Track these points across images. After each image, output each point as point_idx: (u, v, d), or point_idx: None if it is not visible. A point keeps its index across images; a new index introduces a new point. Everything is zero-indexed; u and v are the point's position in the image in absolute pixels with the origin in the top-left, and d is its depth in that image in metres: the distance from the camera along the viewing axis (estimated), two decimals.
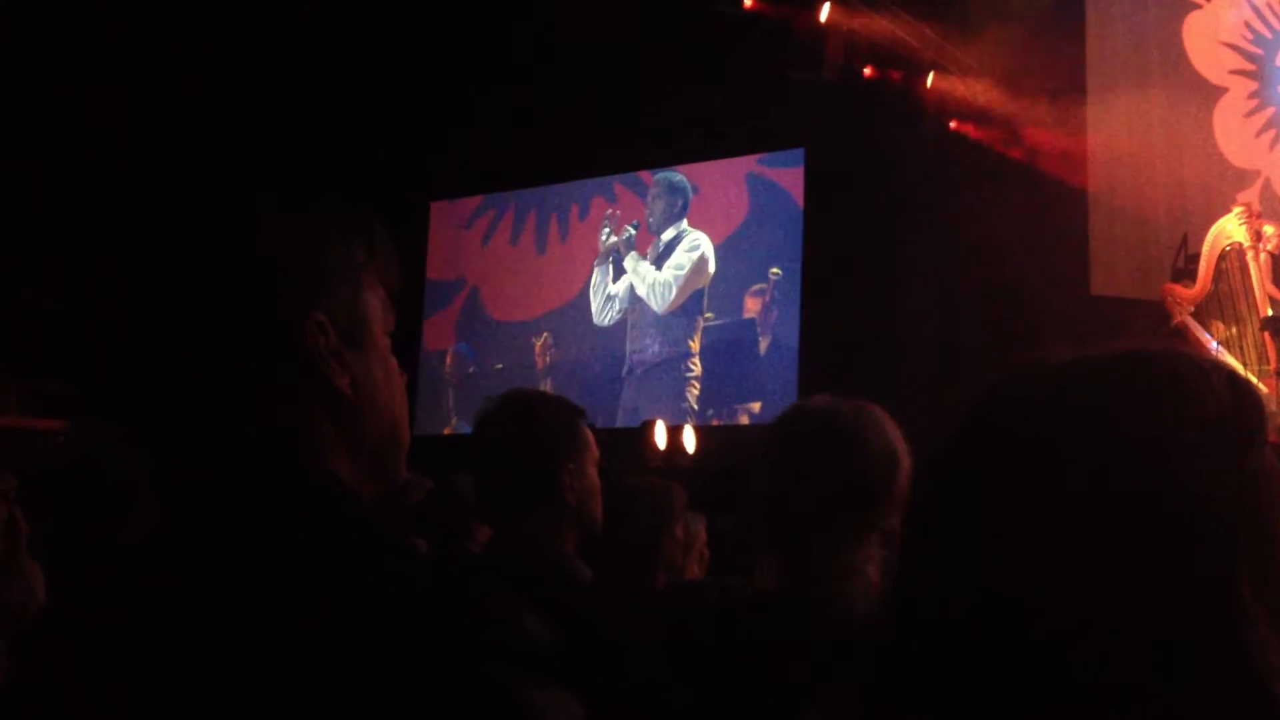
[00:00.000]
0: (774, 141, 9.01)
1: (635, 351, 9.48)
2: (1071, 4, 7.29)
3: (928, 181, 7.65)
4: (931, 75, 7.82)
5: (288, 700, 0.80)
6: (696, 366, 9.20)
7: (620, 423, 9.05)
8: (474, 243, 10.53)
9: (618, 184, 9.84)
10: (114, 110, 8.49)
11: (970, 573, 0.74)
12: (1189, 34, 7.09)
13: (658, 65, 8.34)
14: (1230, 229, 6.02)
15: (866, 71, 7.86)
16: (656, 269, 9.50)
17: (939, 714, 0.73)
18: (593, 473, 2.09)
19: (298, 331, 0.95)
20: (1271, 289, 5.94)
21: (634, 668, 1.82)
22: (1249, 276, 5.95)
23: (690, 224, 9.46)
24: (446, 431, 10.01)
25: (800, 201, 8.92)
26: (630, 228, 9.68)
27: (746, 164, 9.28)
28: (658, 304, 9.44)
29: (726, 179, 9.37)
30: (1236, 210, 6.07)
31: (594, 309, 9.77)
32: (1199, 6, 7.10)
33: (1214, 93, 6.98)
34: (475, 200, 10.55)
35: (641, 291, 9.54)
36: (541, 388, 8.73)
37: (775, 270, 8.95)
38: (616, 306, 9.66)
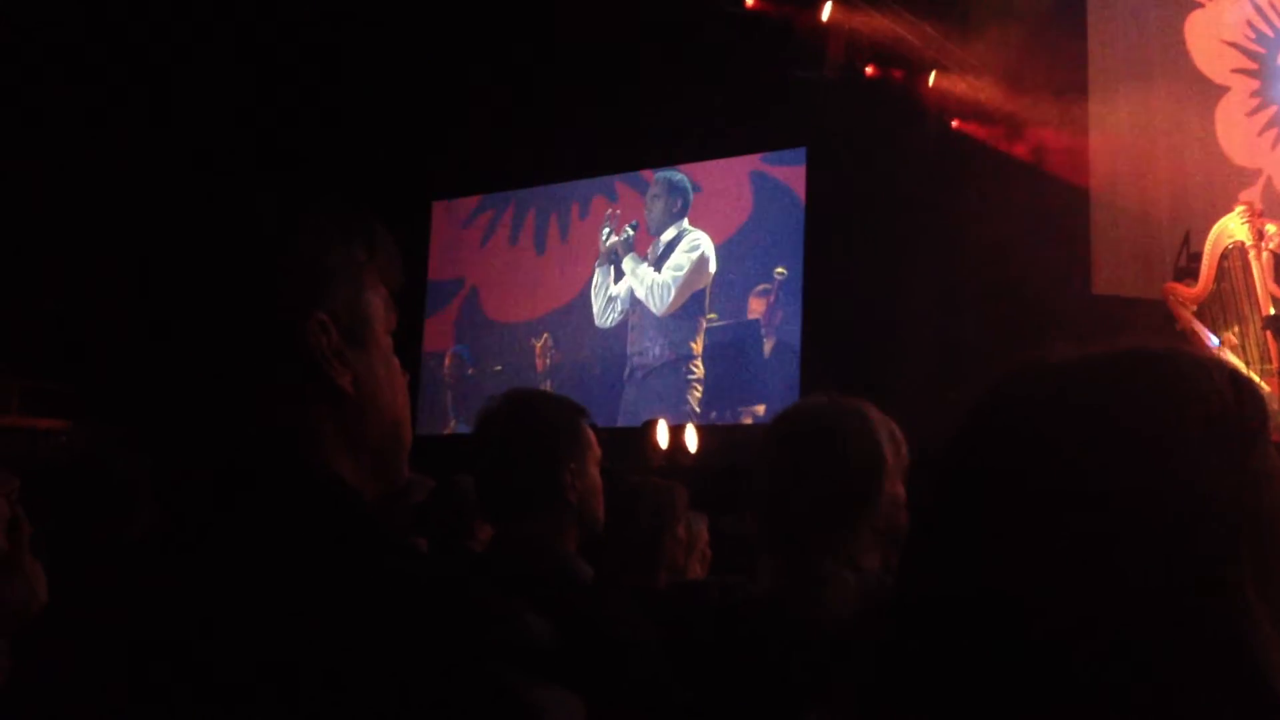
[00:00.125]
0: (775, 141, 9.00)
1: (636, 354, 9.40)
2: (1073, 2, 7.29)
3: (929, 181, 7.65)
4: (933, 74, 7.82)
5: (289, 700, 0.80)
6: (699, 369, 9.12)
7: (622, 423, 9.01)
8: (473, 242, 10.47)
9: (619, 183, 9.78)
10: (114, 110, 8.50)
11: (970, 573, 0.74)
12: (1191, 32, 7.09)
13: (659, 64, 8.34)
14: (1232, 228, 6.02)
15: (868, 70, 7.85)
16: (655, 270, 9.44)
17: (939, 714, 0.73)
18: (594, 472, 2.09)
19: (299, 331, 0.95)
20: (1273, 288, 5.94)
21: (635, 667, 1.82)
22: (1251, 275, 5.95)
23: (692, 223, 9.39)
24: (446, 433, 9.98)
25: (803, 200, 8.89)
26: (629, 228, 9.62)
27: (750, 162, 9.23)
28: (657, 306, 9.37)
29: (730, 177, 9.32)
30: (1239, 209, 6.06)
31: (595, 310, 9.70)
32: (1201, 5, 7.10)
33: (1216, 91, 6.98)
34: (474, 200, 10.51)
35: (640, 294, 9.47)
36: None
37: (780, 270, 8.87)
38: (618, 308, 9.59)
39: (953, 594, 0.74)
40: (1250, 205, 6.09)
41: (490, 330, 10.19)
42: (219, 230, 0.99)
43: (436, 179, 10.10)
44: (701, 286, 9.22)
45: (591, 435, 2.11)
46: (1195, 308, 6.09)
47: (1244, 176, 6.78)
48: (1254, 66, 6.93)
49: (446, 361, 10.31)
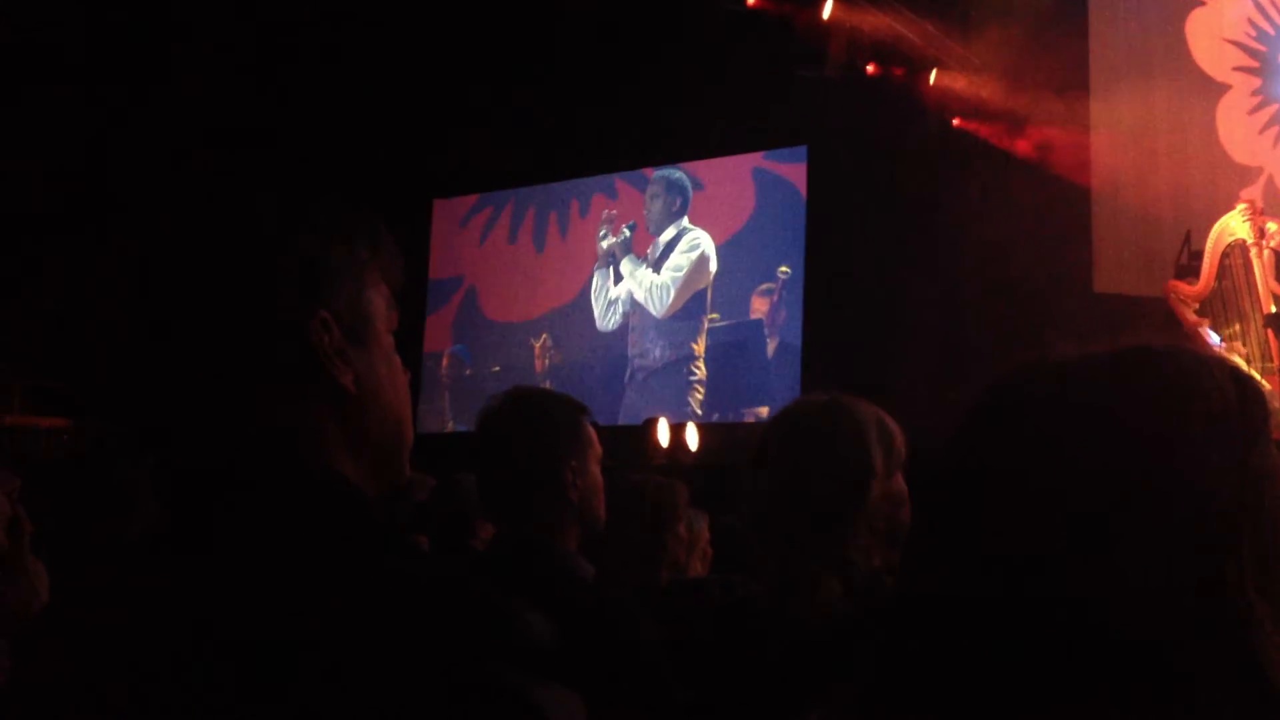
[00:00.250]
0: (777, 139, 8.99)
1: (637, 356, 9.31)
2: (1074, 0, 7.29)
3: (930, 179, 7.65)
4: (934, 72, 7.82)
5: (289, 700, 0.80)
6: (700, 370, 9.04)
7: (623, 421, 8.98)
8: (471, 241, 10.39)
9: (619, 181, 9.71)
10: (114, 110, 8.50)
11: (971, 573, 0.74)
12: (1192, 30, 7.09)
13: (660, 61, 8.34)
14: (1234, 226, 6.03)
15: (869, 69, 7.84)
16: (654, 272, 9.35)
17: (939, 714, 0.73)
18: (596, 470, 2.09)
19: (301, 329, 0.95)
20: (1275, 285, 5.95)
21: (637, 666, 1.82)
22: (1252, 273, 5.96)
23: (694, 221, 9.33)
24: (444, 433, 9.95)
25: (804, 197, 8.85)
26: (626, 229, 9.54)
27: (752, 160, 9.18)
28: (656, 308, 9.27)
29: (731, 175, 9.26)
30: (1240, 207, 6.08)
31: (596, 314, 9.60)
32: (1202, 3, 7.10)
33: (1217, 89, 6.98)
34: (472, 198, 10.44)
35: (640, 296, 9.37)
36: None
37: (784, 269, 8.79)
38: (619, 310, 9.50)
39: (953, 594, 0.74)
40: (1251, 203, 6.10)
41: (489, 330, 10.10)
42: (219, 230, 0.99)
43: (438, 177, 10.08)
44: (703, 286, 9.14)
45: (593, 433, 2.11)
46: (1196, 306, 6.10)
47: (1245, 174, 6.79)
48: (1255, 64, 6.92)
49: (444, 362, 10.24)
